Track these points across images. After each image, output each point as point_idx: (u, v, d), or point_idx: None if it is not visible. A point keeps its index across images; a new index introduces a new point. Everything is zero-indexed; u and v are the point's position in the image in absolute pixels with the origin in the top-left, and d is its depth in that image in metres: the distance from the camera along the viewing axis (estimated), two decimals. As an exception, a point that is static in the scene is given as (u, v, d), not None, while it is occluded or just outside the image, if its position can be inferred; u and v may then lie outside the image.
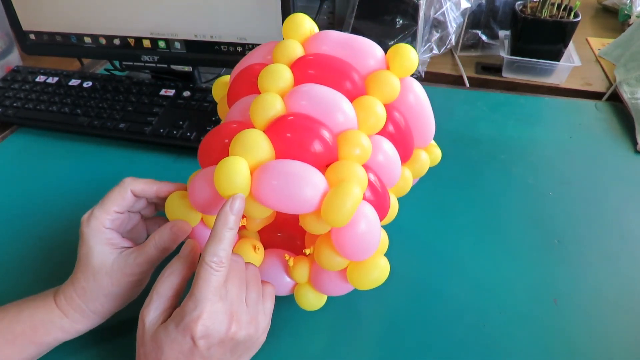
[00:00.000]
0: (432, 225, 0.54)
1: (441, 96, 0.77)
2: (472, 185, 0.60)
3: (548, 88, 0.81)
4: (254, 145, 0.34)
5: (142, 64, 0.72)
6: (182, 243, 0.40)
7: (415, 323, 0.44)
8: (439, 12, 0.79)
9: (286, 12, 0.61)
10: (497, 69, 0.85)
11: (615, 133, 0.69)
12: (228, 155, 0.35)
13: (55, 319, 0.39)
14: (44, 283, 0.42)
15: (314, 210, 0.34)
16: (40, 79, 0.75)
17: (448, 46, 0.81)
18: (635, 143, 0.66)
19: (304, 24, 0.42)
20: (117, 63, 0.77)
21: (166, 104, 0.69)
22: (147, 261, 0.39)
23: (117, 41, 0.70)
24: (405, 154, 0.43)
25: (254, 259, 0.41)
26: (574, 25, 0.76)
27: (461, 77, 0.83)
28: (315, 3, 0.82)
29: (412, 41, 0.79)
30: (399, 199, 0.45)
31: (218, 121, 0.65)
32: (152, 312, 0.35)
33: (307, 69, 0.39)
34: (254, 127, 0.36)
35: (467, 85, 0.83)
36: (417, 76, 0.81)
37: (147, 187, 0.41)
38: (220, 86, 0.47)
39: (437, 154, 0.49)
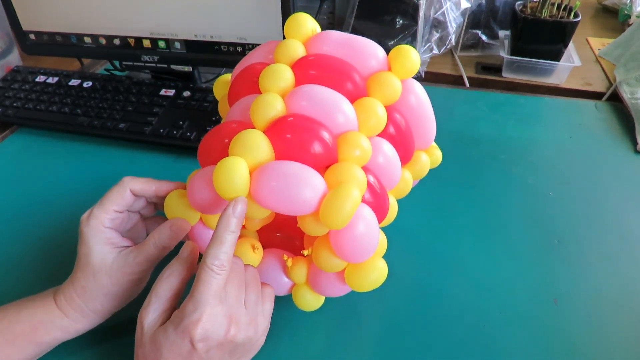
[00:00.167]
0: (432, 225, 0.54)
1: (441, 96, 0.77)
2: (472, 185, 0.60)
3: (548, 88, 0.81)
4: (254, 146, 0.34)
5: (142, 64, 0.72)
6: (182, 242, 0.40)
7: (415, 323, 0.44)
8: (439, 12, 0.79)
9: (286, 12, 0.61)
10: (497, 69, 0.85)
11: (615, 133, 0.69)
12: (228, 155, 0.35)
13: (55, 318, 0.39)
14: (43, 283, 0.42)
15: (312, 212, 0.34)
16: (40, 79, 0.75)
17: (448, 46, 0.81)
18: (635, 143, 0.66)
19: (306, 23, 0.42)
20: (117, 63, 0.77)
21: (166, 104, 0.69)
22: (147, 260, 0.39)
23: (117, 41, 0.70)
24: (406, 156, 0.43)
25: (252, 259, 0.41)
26: (574, 25, 0.76)
27: (461, 77, 0.83)
28: (315, 3, 0.82)
29: (412, 41, 0.79)
30: (399, 200, 0.45)
31: (218, 121, 0.65)
32: (150, 313, 0.35)
33: (309, 69, 0.39)
34: (254, 127, 0.36)
35: (467, 85, 0.83)
36: (417, 76, 0.81)
37: (146, 186, 0.41)
38: (222, 85, 0.47)
39: (437, 155, 0.48)
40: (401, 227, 0.47)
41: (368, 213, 0.35)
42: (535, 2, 0.78)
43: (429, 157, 0.47)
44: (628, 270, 0.49)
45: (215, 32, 0.66)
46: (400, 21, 0.78)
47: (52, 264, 0.50)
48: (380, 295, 0.44)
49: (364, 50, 0.41)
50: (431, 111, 0.44)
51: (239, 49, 0.66)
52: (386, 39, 0.79)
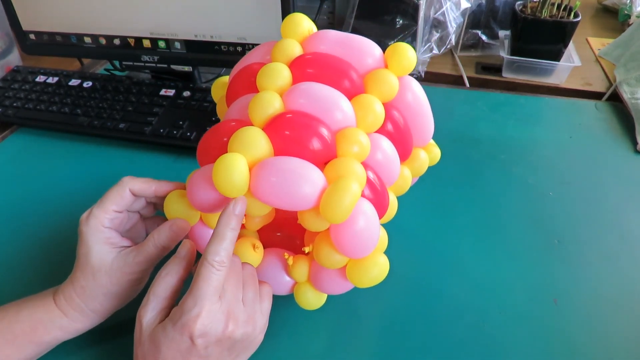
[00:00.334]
0: (432, 225, 0.54)
1: (441, 96, 0.77)
2: (472, 185, 0.60)
3: (548, 88, 0.81)
4: (253, 143, 0.34)
5: (142, 64, 0.72)
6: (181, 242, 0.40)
7: (415, 323, 0.44)
8: (439, 12, 0.79)
9: (286, 12, 0.61)
10: (497, 69, 0.85)
11: (615, 133, 0.69)
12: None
13: (54, 318, 0.39)
14: (43, 283, 0.42)
15: (312, 206, 0.34)
16: (40, 79, 0.75)
17: (448, 46, 0.81)
18: (635, 143, 0.66)
19: (302, 23, 0.42)
20: (117, 63, 0.77)
21: (166, 104, 0.69)
22: (147, 260, 0.39)
23: (117, 41, 0.70)
24: (404, 153, 0.43)
25: (253, 258, 0.41)
26: (574, 25, 0.76)
27: (461, 77, 0.83)
28: (315, 3, 0.82)
29: (412, 41, 0.79)
30: (399, 199, 0.45)
31: (218, 121, 0.65)
32: (149, 312, 0.35)
33: (306, 68, 0.39)
34: (252, 125, 0.36)
35: (467, 85, 0.83)
36: (417, 76, 0.81)
37: (146, 186, 0.41)
38: (219, 86, 0.47)
39: (436, 153, 0.49)
40: (401, 227, 0.47)
41: (368, 208, 0.35)
42: (535, 2, 0.78)
43: (428, 154, 0.47)
44: (628, 270, 0.49)
45: (215, 32, 0.66)
46: (400, 21, 0.78)
47: (52, 263, 0.50)
48: (380, 295, 0.45)
49: (361, 48, 0.41)
50: (429, 108, 0.44)
51: (239, 49, 0.66)
52: (386, 39, 0.79)
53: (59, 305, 0.39)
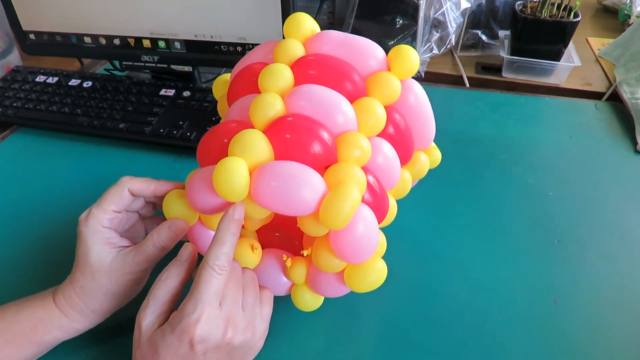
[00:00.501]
0: (431, 224, 0.54)
1: (441, 96, 0.77)
2: (472, 185, 0.60)
3: (548, 88, 0.81)
4: (253, 146, 0.34)
5: (142, 64, 0.72)
6: (181, 242, 0.40)
7: (415, 323, 0.44)
8: (439, 12, 0.79)
9: (286, 12, 0.61)
10: (497, 69, 0.85)
11: (615, 133, 0.69)
12: (227, 155, 0.35)
13: (54, 318, 0.39)
14: (43, 283, 0.42)
15: (312, 212, 0.34)
16: (40, 79, 0.75)
17: (448, 46, 0.81)
18: (635, 143, 0.66)
19: (305, 23, 0.42)
20: (117, 63, 0.77)
21: (166, 104, 0.69)
22: (146, 260, 0.39)
23: (117, 41, 0.70)
24: (405, 156, 0.43)
25: (251, 259, 0.40)
26: (574, 25, 0.76)
27: (461, 77, 0.83)
28: (315, 3, 0.82)
29: (412, 41, 0.79)
30: (399, 200, 0.45)
31: (218, 121, 0.65)
32: (148, 315, 0.35)
33: (308, 69, 0.39)
34: (253, 127, 0.36)
35: (467, 85, 0.83)
36: (417, 76, 0.81)
37: (145, 186, 0.41)
38: (221, 84, 0.47)
39: (437, 156, 0.48)
40: (401, 227, 0.47)
41: (368, 214, 0.35)
42: (535, 2, 0.78)
43: (429, 157, 0.47)
44: (628, 270, 0.49)
45: (215, 32, 0.66)
46: (400, 21, 0.78)
47: (52, 263, 0.50)
48: (380, 295, 0.44)
49: (364, 50, 0.41)
50: (430, 111, 0.44)
51: (239, 49, 0.66)
52: (386, 39, 0.79)
53: (59, 305, 0.39)
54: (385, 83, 0.39)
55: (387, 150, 0.39)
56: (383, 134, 0.40)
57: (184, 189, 0.40)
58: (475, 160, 0.63)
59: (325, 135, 0.35)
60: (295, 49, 0.40)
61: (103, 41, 0.70)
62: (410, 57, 0.40)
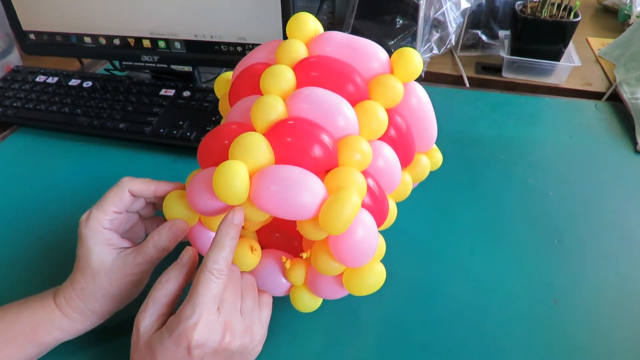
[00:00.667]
0: (431, 224, 0.54)
1: (441, 96, 0.77)
2: (472, 186, 0.60)
3: (548, 88, 0.81)
4: (254, 149, 0.34)
5: (142, 64, 0.72)
6: (181, 243, 0.40)
7: (415, 323, 0.44)
8: (439, 12, 0.79)
9: (286, 12, 0.61)
10: (497, 69, 0.84)
11: (615, 133, 0.69)
12: (227, 157, 0.35)
13: (54, 319, 0.39)
14: (43, 283, 0.42)
15: (311, 216, 0.34)
16: (40, 79, 0.75)
17: (448, 46, 0.81)
18: (635, 143, 0.66)
19: (308, 23, 0.41)
20: (117, 63, 0.77)
21: (166, 104, 0.69)
22: (146, 261, 0.39)
23: (117, 41, 0.70)
24: (406, 159, 0.43)
25: (251, 261, 0.40)
26: (574, 25, 0.76)
27: (461, 77, 0.83)
28: (315, 3, 0.82)
29: (412, 41, 0.79)
30: (399, 201, 0.45)
31: (218, 121, 0.65)
32: (147, 318, 0.35)
33: (310, 71, 0.39)
34: (254, 130, 0.36)
35: (467, 85, 0.83)
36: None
37: (145, 186, 0.41)
38: (222, 83, 0.47)
39: (438, 158, 0.48)
40: (401, 227, 0.47)
41: (367, 218, 0.35)
42: (535, 2, 0.78)
43: (430, 159, 0.47)
44: (628, 270, 0.49)
45: (215, 32, 0.66)
46: (400, 21, 0.78)
47: (52, 263, 0.50)
48: (380, 296, 0.44)
49: (367, 52, 0.41)
50: (432, 114, 0.44)
51: (239, 49, 0.66)
52: (386, 39, 0.79)
53: (59, 306, 0.39)
54: (387, 86, 0.39)
55: (388, 153, 0.39)
56: (384, 137, 0.40)
57: (184, 190, 0.40)
58: (475, 161, 0.64)
59: (326, 139, 0.35)
60: (298, 49, 0.40)
61: (103, 41, 0.70)
62: (414, 60, 0.40)
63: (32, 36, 0.72)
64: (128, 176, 0.41)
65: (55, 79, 0.75)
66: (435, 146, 0.48)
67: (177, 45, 0.68)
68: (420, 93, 0.43)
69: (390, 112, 0.40)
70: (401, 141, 0.41)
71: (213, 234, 0.36)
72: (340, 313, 0.45)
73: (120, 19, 0.67)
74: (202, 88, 0.71)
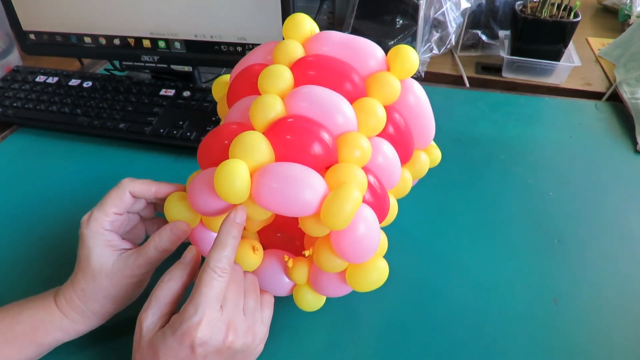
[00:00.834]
0: (431, 224, 0.54)
1: (441, 96, 0.77)
2: (472, 185, 0.60)
3: (548, 88, 0.81)
4: (254, 148, 0.34)
5: (142, 64, 0.72)
6: (183, 244, 0.40)
7: (415, 323, 0.44)
8: (439, 12, 0.79)
9: (286, 12, 0.61)
10: (497, 69, 0.85)
11: (615, 133, 0.69)
12: (228, 157, 0.35)
13: (55, 319, 0.39)
14: (44, 283, 0.42)
15: (313, 213, 0.34)
16: (40, 79, 0.75)
17: (448, 46, 0.81)
18: (635, 143, 0.66)
19: (304, 24, 0.42)
20: (117, 63, 0.77)
21: (166, 104, 0.69)
22: (148, 263, 0.39)
23: (117, 41, 0.70)
24: (405, 156, 0.43)
25: (253, 261, 0.40)
26: (574, 25, 0.76)
27: (461, 77, 0.83)
28: (315, 3, 0.82)
29: (412, 41, 0.79)
30: (399, 199, 0.45)
31: (218, 121, 0.65)
32: (149, 317, 0.35)
33: (308, 70, 0.39)
34: (253, 129, 0.36)
35: (467, 85, 0.83)
36: (417, 76, 0.81)
37: (146, 188, 0.41)
38: (220, 85, 0.47)
39: (436, 155, 0.49)
40: (401, 227, 0.47)
41: (369, 214, 0.35)
42: (535, 2, 0.78)
43: (428, 156, 0.47)
44: (628, 270, 0.49)
45: (215, 32, 0.66)
46: (400, 21, 0.78)
47: (52, 263, 0.50)
48: (380, 295, 0.44)
49: (363, 51, 0.41)
50: (430, 110, 0.44)
51: (239, 49, 0.66)
52: (386, 39, 0.79)
53: (60, 307, 0.39)
54: (385, 83, 0.39)
55: (388, 150, 0.39)
56: (383, 134, 0.40)
57: (185, 191, 0.40)
58: (475, 160, 0.64)
59: (325, 136, 0.35)
60: (295, 49, 0.40)
61: (103, 41, 0.70)
62: (410, 57, 0.40)
63: (32, 36, 0.72)
64: (129, 177, 0.41)
65: (55, 79, 0.75)
66: (433, 143, 0.48)
67: (177, 45, 0.68)
68: (418, 90, 0.43)
69: (388, 109, 0.40)
70: (400, 138, 0.41)
71: (215, 235, 0.36)
72: (340, 313, 0.45)
73: (120, 19, 0.67)
74: (202, 88, 0.71)
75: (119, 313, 0.41)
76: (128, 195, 0.40)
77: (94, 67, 0.87)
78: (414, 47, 0.58)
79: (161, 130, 0.64)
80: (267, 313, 0.39)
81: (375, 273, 0.37)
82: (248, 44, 0.66)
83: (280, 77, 0.38)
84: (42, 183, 0.61)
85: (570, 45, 0.81)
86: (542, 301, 0.46)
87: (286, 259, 0.41)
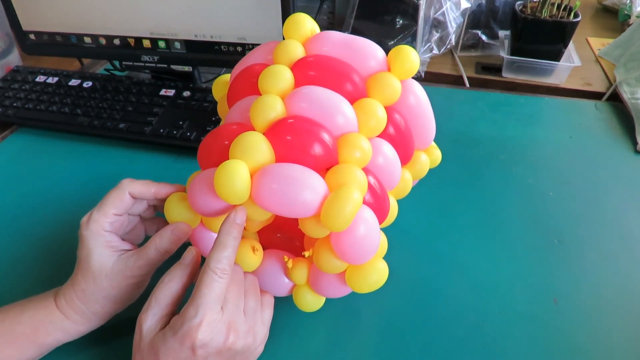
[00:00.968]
0: (432, 225, 0.54)
1: (441, 96, 0.77)
2: (472, 185, 0.60)
3: (548, 88, 0.81)
4: (254, 148, 0.34)
5: (142, 64, 0.72)
6: (183, 245, 0.40)
7: (415, 323, 0.45)
8: (439, 12, 0.79)
9: (286, 12, 0.61)
10: (497, 69, 0.85)
11: (615, 133, 0.69)
12: (228, 157, 0.35)
13: (55, 320, 0.39)
14: (44, 283, 0.42)
15: (313, 214, 0.34)
16: (40, 79, 0.75)
17: (448, 46, 0.81)
18: (635, 143, 0.66)
19: (305, 24, 0.42)
20: (117, 63, 0.77)
21: (166, 104, 0.69)
22: (148, 264, 0.39)
23: (117, 41, 0.70)
24: (406, 156, 0.43)
25: (252, 261, 0.40)
26: (574, 25, 0.76)
27: (461, 77, 0.83)
28: (315, 3, 0.82)
29: (412, 41, 0.79)
30: (399, 200, 0.45)
31: (218, 121, 0.65)
32: (149, 318, 0.35)
33: (308, 71, 0.39)
34: (254, 129, 0.36)
35: (467, 85, 0.83)
36: (417, 76, 0.81)
37: (145, 188, 0.41)
38: (220, 85, 0.47)
39: (437, 155, 0.49)
40: (401, 226, 0.47)
41: (369, 215, 0.35)
42: (535, 2, 0.78)
43: (429, 157, 0.47)
44: (628, 270, 0.49)
45: (215, 32, 0.66)
46: (400, 21, 0.78)
47: (52, 263, 0.50)
48: (380, 295, 0.44)
49: (364, 51, 0.41)
50: (430, 111, 0.44)
51: (239, 49, 0.66)
52: (386, 39, 0.79)
53: (60, 308, 0.39)
54: (385, 84, 0.39)
55: (388, 150, 0.39)
56: (383, 135, 0.40)
57: (185, 192, 0.40)
58: (475, 160, 0.64)
59: (325, 136, 0.35)
60: (295, 50, 0.40)
61: (103, 41, 0.70)
62: (410, 58, 0.40)
63: (32, 36, 0.72)
64: (128, 178, 0.41)
65: (55, 79, 0.75)
66: (434, 143, 0.48)
67: (177, 45, 0.68)
68: (418, 91, 0.43)
69: (388, 110, 0.40)
70: (400, 139, 0.41)
71: (215, 236, 0.36)
72: (340, 313, 0.45)
73: (120, 19, 0.67)
74: (202, 88, 0.71)
75: (119, 313, 0.41)
76: (128, 196, 0.40)
77: (94, 67, 0.87)
78: (414, 47, 0.58)
79: (161, 130, 0.64)
80: (268, 313, 0.39)
81: (375, 274, 0.37)
82: (248, 44, 0.66)
83: (281, 77, 0.38)
84: (42, 183, 0.61)
85: (570, 45, 0.81)
86: (542, 301, 0.46)
87: (286, 260, 0.41)
